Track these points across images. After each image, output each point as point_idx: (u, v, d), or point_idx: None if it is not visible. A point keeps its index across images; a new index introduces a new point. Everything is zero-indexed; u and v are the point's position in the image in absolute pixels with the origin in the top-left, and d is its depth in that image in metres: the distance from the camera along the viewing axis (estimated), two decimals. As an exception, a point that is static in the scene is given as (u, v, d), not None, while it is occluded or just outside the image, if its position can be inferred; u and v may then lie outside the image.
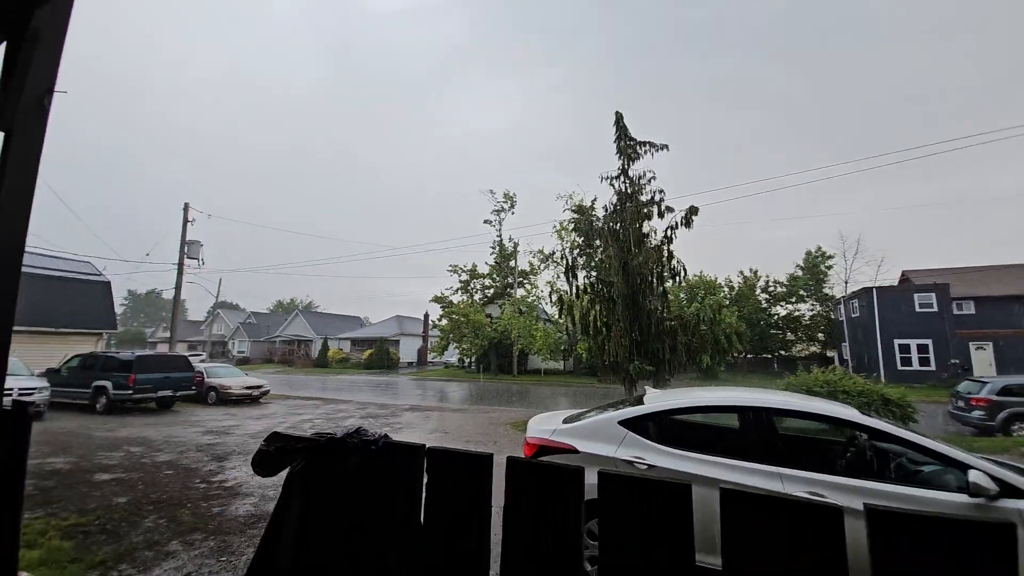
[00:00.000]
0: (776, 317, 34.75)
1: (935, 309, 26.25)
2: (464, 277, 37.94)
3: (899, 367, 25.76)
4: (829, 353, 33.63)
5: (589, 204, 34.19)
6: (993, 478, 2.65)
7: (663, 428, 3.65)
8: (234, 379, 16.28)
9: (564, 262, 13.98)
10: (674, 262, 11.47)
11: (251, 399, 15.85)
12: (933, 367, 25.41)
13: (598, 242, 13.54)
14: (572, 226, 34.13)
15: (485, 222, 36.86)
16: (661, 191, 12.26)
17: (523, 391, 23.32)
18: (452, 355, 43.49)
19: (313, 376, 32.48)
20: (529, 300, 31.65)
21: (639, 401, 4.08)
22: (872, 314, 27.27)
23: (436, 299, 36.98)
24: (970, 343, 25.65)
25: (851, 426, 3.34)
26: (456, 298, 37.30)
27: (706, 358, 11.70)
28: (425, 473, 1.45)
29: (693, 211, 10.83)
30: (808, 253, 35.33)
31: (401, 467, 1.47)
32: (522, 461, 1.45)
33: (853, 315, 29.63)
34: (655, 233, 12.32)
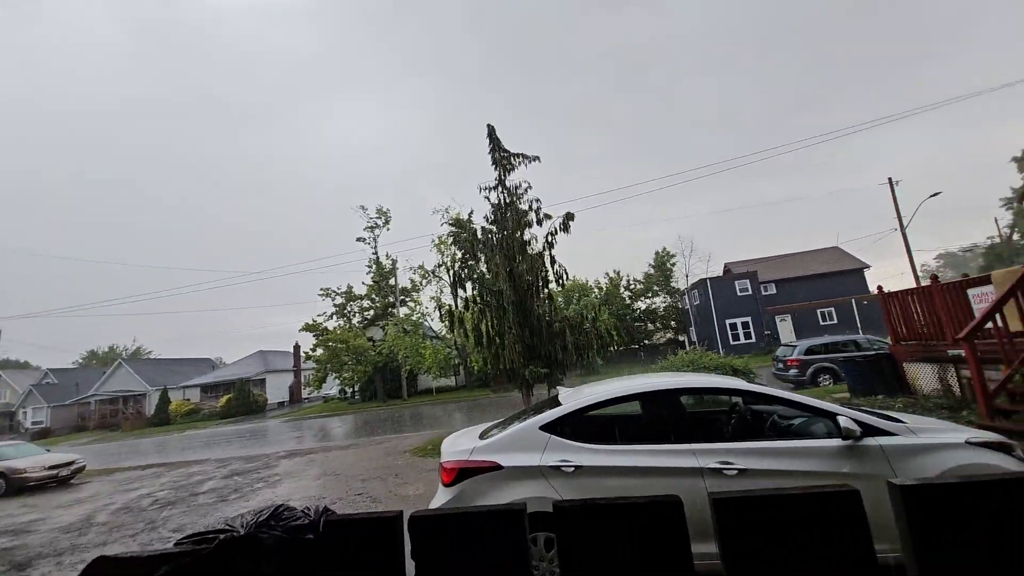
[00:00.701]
0: (638, 311, 39.14)
1: (750, 292, 32.32)
2: (339, 300, 34.96)
3: (731, 342, 30.99)
4: (680, 337, 38.96)
5: (467, 217, 34.51)
6: (856, 421, 3.13)
7: (583, 426, 3.61)
8: (30, 459, 12.36)
9: (451, 275, 13.66)
10: (556, 266, 12.04)
11: (58, 481, 12.15)
12: (753, 339, 31.16)
13: (480, 254, 13.55)
14: (451, 239, 34.04)
15: (359, 240, 34.49)
16: (537, 200, 12.83)
17: (416, 414, 22.21)
18: (332, 387, 39.81)
19: (150, 438, 26.51)
20: (414, 318, 30.46)
21: (555, 402, 4.00)
22: (708, 301, 32.42)
23: (308, 327, 33.32)
24: (776, 317, 32.12)
25: (746, 394, 3.69)
26: (331, 324, 34.13)
27: (592, 354, 12.44)
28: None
29: (570, 217, 11.52)
30: (657, 254, 40.71)
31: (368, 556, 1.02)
32: (428, 517, 1.16)
33: (695, 303, 34.87)
34: (535, 240, 12.83)
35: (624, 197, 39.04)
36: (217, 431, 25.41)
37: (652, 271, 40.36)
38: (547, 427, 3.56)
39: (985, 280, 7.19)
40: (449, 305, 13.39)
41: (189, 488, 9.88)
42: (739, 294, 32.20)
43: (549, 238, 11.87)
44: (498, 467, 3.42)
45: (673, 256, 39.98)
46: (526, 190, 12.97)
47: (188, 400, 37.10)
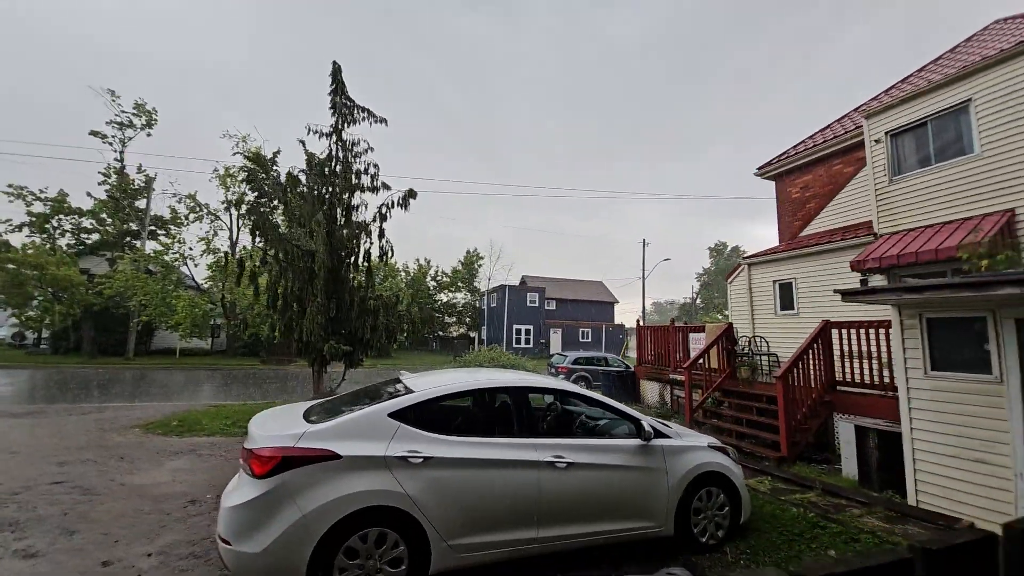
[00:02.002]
0: (439, 303, 40.19)
1: (537, 304, 37.13)
2: (40, 208, 24.51)
3: (515, 345, 34.90)
4: (472, 334, 41.75)
5: (270, 155, 29.09)
6: (652, 427, 3.91)
7: (434, 416, 3.46)
8: None
9: (252, 218, 11.23)
10: (384, 240, 11.29)
11: None
12: (532, 345, 35.85)
13: (291, 203, 11.64)
14: (245, 175, 28.13)
15: (94, 134, 24.86)
16: (375, 165, 11.85)
17: (149, 378, 17.36)
18: (1, 328, 27.80)
19: None
20: (167, 257, 23.86)
21: (396, 389, 3.72)
22: (504, 305, 35.79)
23: (-31, 234, 22.28)
24: (551, 329, 37.73)
25: (585, 399, 4.16)
26: (17, 238, 23.72)
27: (401, 337, 12.11)
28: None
29: (412, 194, 10.99)
30: (468, 252, 42.73)
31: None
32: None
33: (492, 305, 37.98)
34: (365, 207, 11.79)
35: (445, 192, 39.64)
36: None
37: (460, 268, 42.09)
38: (396, 415, 3.28)
39: (701, 328, 10.10)
40: (243, 252, 10.98)
41: None
42: (528, 304, 36.58)
43: (384, 210, 11.06)
44: (335, 456, 2.96)
45: (482, 258, 42.67)
46: (366, 150, 11.82)
47: None
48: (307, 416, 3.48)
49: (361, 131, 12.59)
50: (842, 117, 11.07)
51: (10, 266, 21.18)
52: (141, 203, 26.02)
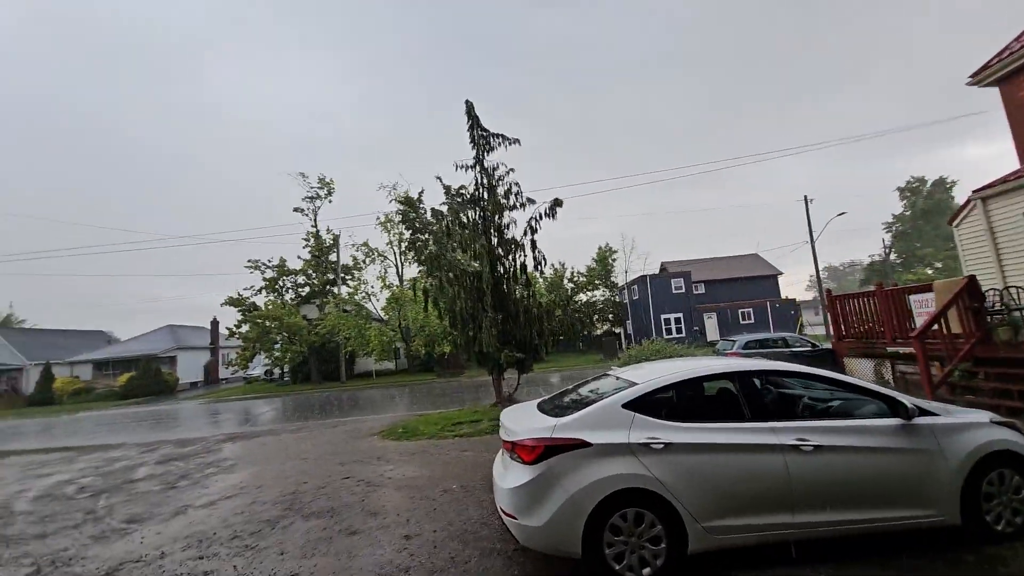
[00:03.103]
0: (579, 303, 40.50)
1: (684, 290, 34.79)
2: (270, 274, 32.07)
3: (665, 336, 33.22)
4: (617, 330, 41.02)
5: (416, 196, 33.24)
6: (914, 404, 3.48)
7: (662, 405, 3.64)
8: None
9: (422, 253, 13.05)
10: (536, 251, 12.01)
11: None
12: (684, 334, 33.67)
13: (454, 232, 13.11)
14: (400, 218, 32.64)
15: (296, 210, 31.79)
16: (517, 183, 12.67)
17: (362, 397, 21.19)
18: (255, 367, 36.77)
19: (32, 419, 22.67)
20: (357, 297, 28.91)
21: (611, 381, 3.99)
22: (647, 296, 34.42)
23: (232, 301, 30.24)
24: (704, 314, 34.92)
25: (818, 378, 3.90)
26: (260, 299, 31.33)
27: (568, 339, 12.63)
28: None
29: (558, 203, 11.49)
30: (600, 248, 42.32)
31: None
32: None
33: (634, 298, 36.84)
34: (515, 224, 12.69)
35: (570, 194, 39.99)
36: (120, 412, 22.34)
37: (595, 265, 41.87)
38: (629, 405, 3.55)
39: (926, 288, 8.35)
40: (426, 283, 12.80)
41: (118, 475, 8.58)
42: (674, 292, 34.53)
43: (532, 223, 11.78)
44: (586, 444, 3.34)
45: (615, 252, 41.85)
46: (507, 172, 12.74)
47: (77, 377, 32.19)
48: (547, 410, 3.99)
49: (498, 156, 13.65)
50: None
51: (259, 320, 28.16)
52: (333, 256, 32.11)
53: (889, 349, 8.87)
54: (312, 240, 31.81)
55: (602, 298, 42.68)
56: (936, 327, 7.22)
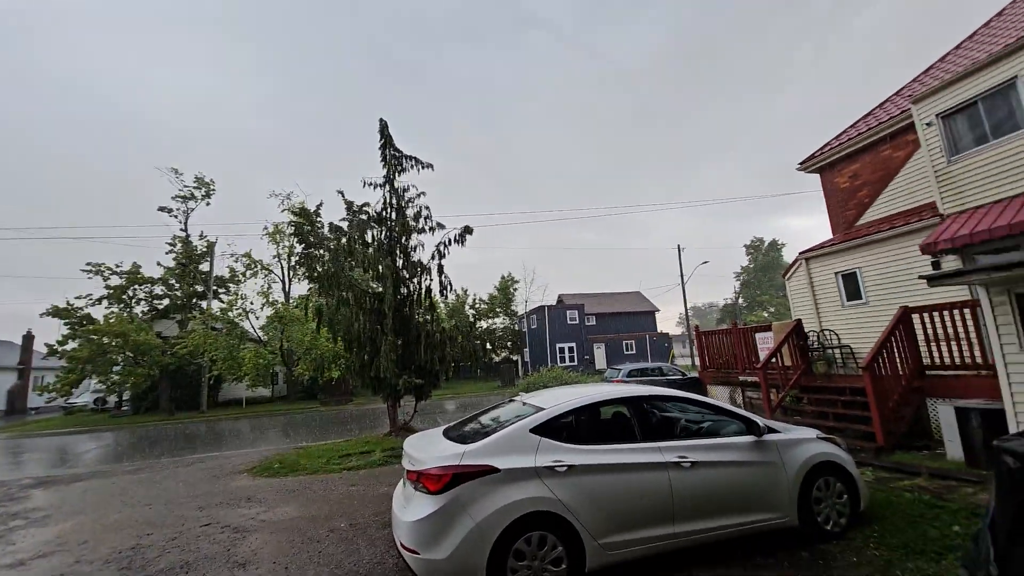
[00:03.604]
0: (477, 329, 40.76)
1: (577, 322, 37.14)
2: (117, 281, 26.89)
3: (559, 363, 34.88)
4: (514, 357, 41.97)
5: (313, 209, 31.02)
6: (765, 424, 4.15)
7: (566, 428, 3.83)
8: None
9: (315, 269, 12.17)
10: (443, 277, 11.93)
11: None
12: (576, 362, 35.71)
13: (354, 251, 12.50)
14: (292, 230, 30.03)
15: (162, 209, 27.39)
16: (427, 207, 12.62)
17: (235, 428, 18.47)
18: (82, 395, 30.13)
19: None
20: (232, 314, 25.55)
21: (517, 408, 4.12)
22: (544, 325, 36.00)
23: (58, 312, 24.63)
24: (594, 344, 37.53)
25: (699, 404, 4.43)
26: (100, 311, 26.01)
27: (469, 366, 12.57)
28: None
29: (468, 231, 11.62)
30: (503, 278, 43.45)
31: None
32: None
33: (532, 327, 38.26)
34: (423, 247, 12.52)
35: (475, 223, 40.82)
36: None
37: (497, 293, 42.77)
38: (536, 430, 3.67)
39: (767, 328, 10.08)
40: (320, 302, 11.84)
41: None
42: (568, 322, 36.67)
43: (441, 248, 11.74)
44: (495, 470, 3.36)
45: (516, 282, 43.26)
46: (418, 195, 12.63)
47: None
48: (452, 435, 3.93)
49: (410, 178, 13.50)
50: (884, 103, 11.08)
51: (94, 336, 23.24)
52: (204, 266, 28.12)
53: (740, 378, 10.47)
54: (179, 245, 27.60)
55: (502, 326, 43.53)
56: (774, 360, 8.75)
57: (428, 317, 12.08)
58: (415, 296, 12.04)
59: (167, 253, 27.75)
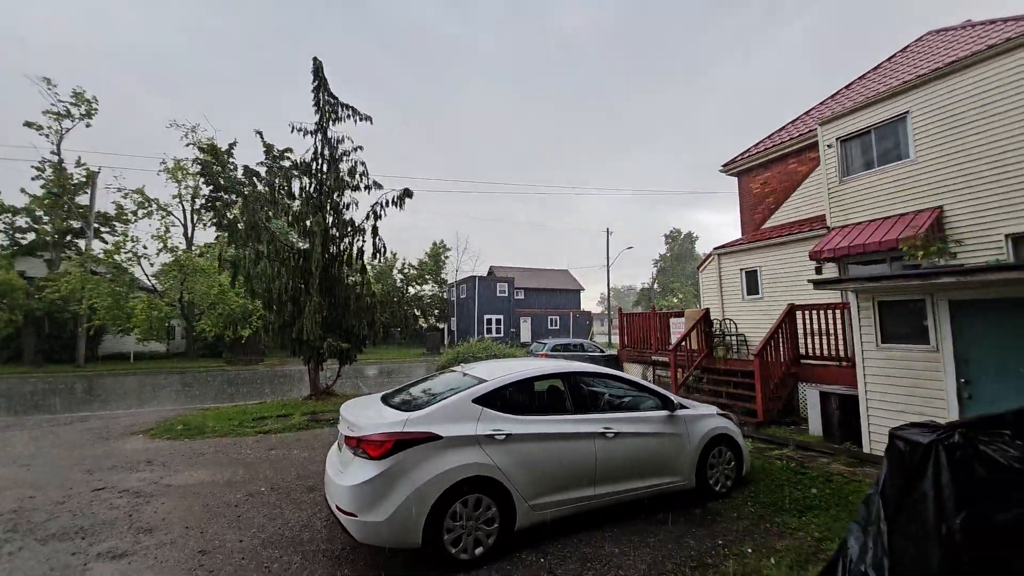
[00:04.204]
0: (408, 296, 39.91)
1: (507, 295, 37.78)
2: (-37, 206, 22.25)
3: (486, 334, 35.46)
4: (441, 325, 41.86)
5: (226, 148, 27.71)
6: (678, 401, 4.68)
7: (506, 399, 4.02)
8: None
9: (224, 215, 11.07)
10: (377, 239, 11.46)
11: None
12: (503, 335, 36.54)
13: (278, 202, 11.53)
14: (198, 168, 26.68)
15: (29, 125, 22.71)
16: (363, 163, 11.93)
17: (121, 385, 16.52)
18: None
19: None
20: (118, 257, 22.38)
21: (459, 378, 4.25)
22: (474, 296, 36.18)
23: None
24: (521, 318, 38.56)
25: (624, 381, 4.84)
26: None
27: (398, 332, 12.37)
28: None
29: (408, 193, 11.19)
30: (434, 244, 42.59)
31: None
32: None
33: (461, 296, 38.25)
34: (356, 205, 11.88)
35: (409, 185, 39.26)
36: None
37: (427, 260, 41.91)
38: (478, 400, 3.82)
39: (680, 314, 11.12)
40: (234, 253, 10.82)
41: None
42: (498, 295, 37.17)
43: (378, 209, 11.22)
44: (437, 437, 3.47)
45: (449, 250, 42.66)
46: (354, 149, 11.87)
47: None
48: (394, 404, 3.96)
49: (345, 128, 12.55)
50: (795, 120, 12.36)
51: (-67, 270, 19.24)
52: (83, 199, 24.13)
53: (653, 357, 11.51)
54: (50, 171, 23.34)
55: (431, 293, 42.98)
56: (684, 343, 9.76)
57: (359, 279, 11.61)
58: (345, 257, 11.49)
59: (33, 179, 23.44)
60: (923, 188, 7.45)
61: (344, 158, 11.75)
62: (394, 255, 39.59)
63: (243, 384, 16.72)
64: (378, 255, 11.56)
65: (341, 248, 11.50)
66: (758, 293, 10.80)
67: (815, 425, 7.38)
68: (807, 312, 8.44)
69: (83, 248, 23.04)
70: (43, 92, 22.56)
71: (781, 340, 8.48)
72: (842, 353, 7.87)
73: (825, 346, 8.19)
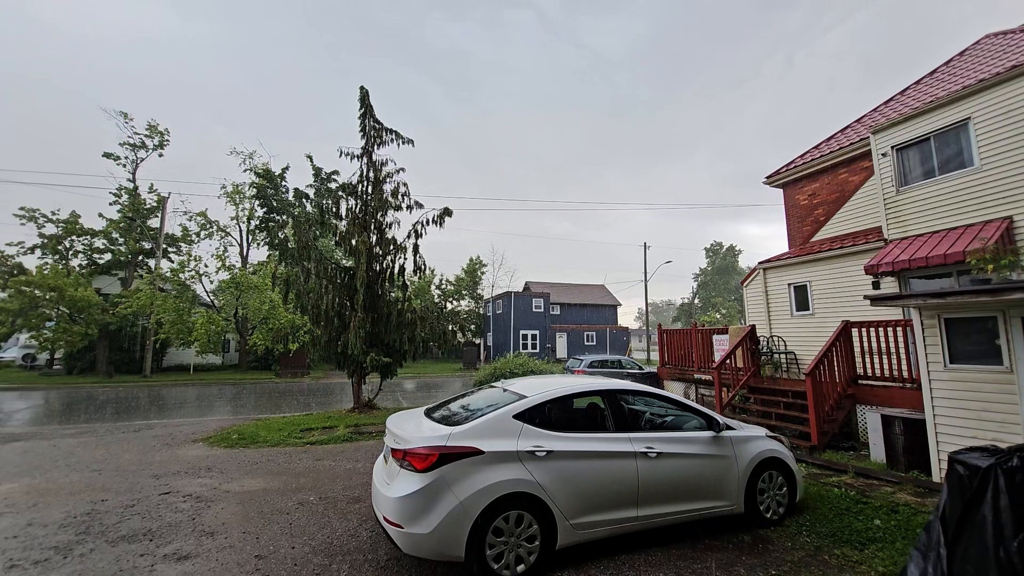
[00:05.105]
0: (446, 311, 40.63)
1: (542, 310, 37.72)
2: (53, 230, 24.78)
3: (521, 350, 35.43)
4: (477, 340, 42.20)
5: (279, 172, 29.57)
6: (723, 422, 4.54)
7: (546, 416, 4.05)
8: None
9: (275, 235, 11.77)
10: (418, 256, 11.85)
11: None
12: (539, 350, 36.39)
13: (328, 222, 12.16)
14: (254, 192, 28.58)
15: (108, 156, 25.23)
16: (405, 183, 12.42)
17: (183, 395, 17.68)
18: (9, 349, 27.93)
19: None
20: (183, 275, 24.16)
21: (498, 394, 4.31)
22: (510, 311, 36.35)
23: (-18, 258, 22.48)
24: (557, 333, 38.32)
25: (669, 401, 4.76)
26: (32, 261, 23.96)
27: (438, 347, 12.64)
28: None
29: (448, 212, 11.56)
30: (471, 260, 43.29)
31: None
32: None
33: (497, 312, 38.52)
34: (398, 224, 12.36)
35: (448, 203, 40.33)
36: None
37: (464, 276, 42.62)
38: (519, 416, 3.87)
39: (724, 330, 10.75)
40: (286, 272, 11.48)
41: None
42: (533, 310, 37.18)
43: (419, 228, 11.63)
44: (479, 452, 3.54)
45: (485, 266, 43.24)
46: (397, 171, 12.40)
47: None
48: (437, 418, 4.07)
49: (389, 152, 13.14)
50: (845, 128, 11.86)
51: (27, 288, 21.44)
52: (153, 222, 26.34)
53: (696, 375, 11.14)
54: (125, 197, 25.65)
55: (467, 308, 43.55)
56: (728, 361, 9.40)
57: (399, 295, 12.01)
58: (387, 274, 11.93)
59: (111, 204, 25.81)
60: (990, 197, 6.96)
61: (388, 179, 12.30)
62: (432, 271, 40.51)
63: (290, 396, 17.48)
64: (418, 272, 11.94)
65: (384, 265, 11.95)
66: (808, 309, 10.29)
67: (877, 451, 6.89)
68: (864, 329, 7.96)
69: (152, 267, 25.06)
70: (120, 125, 25.06)
71: (835, 359, 8.03)
72: (905, 374, 7.35)
73: (886, 366, 7.68)
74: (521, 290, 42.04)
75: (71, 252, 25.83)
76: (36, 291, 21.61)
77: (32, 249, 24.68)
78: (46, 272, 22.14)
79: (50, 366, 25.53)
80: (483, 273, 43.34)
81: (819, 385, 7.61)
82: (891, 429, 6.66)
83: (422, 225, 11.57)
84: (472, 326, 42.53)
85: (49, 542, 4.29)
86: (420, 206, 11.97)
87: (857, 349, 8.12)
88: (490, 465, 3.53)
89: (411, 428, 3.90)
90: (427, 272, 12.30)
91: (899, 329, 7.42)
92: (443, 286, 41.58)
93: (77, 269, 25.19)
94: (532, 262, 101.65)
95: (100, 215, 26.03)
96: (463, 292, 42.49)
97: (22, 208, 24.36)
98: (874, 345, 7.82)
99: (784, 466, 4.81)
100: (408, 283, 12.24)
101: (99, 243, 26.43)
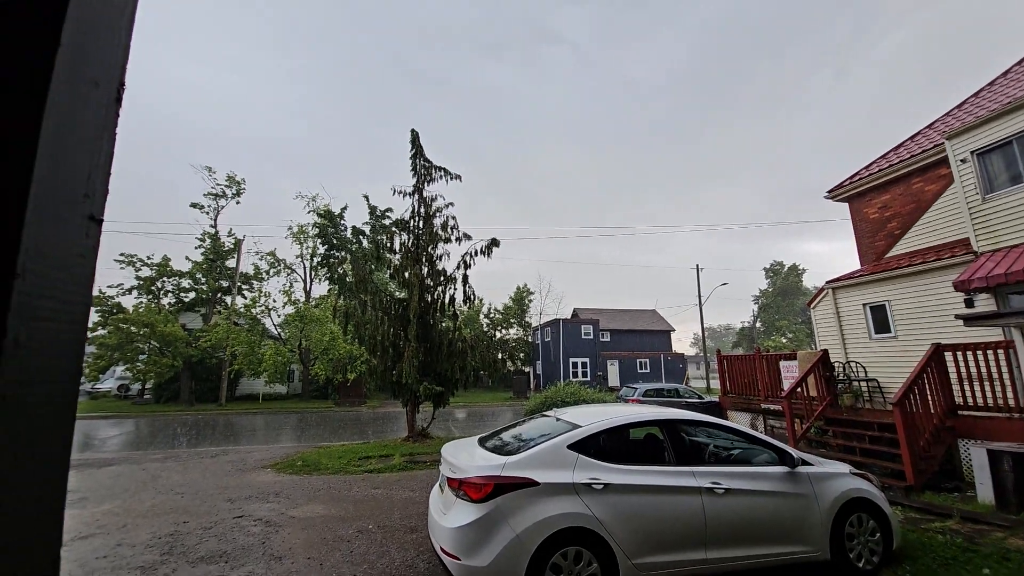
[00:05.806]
0: (495, 340, 40.89)
1: (592, 337, 36.98)
2: (148, 273, 27.85)
3: (571, 379, 34.70)
4: (526, 369, 41.91)
5: (338, 212, 31.76)
6: (799, 456, 4.19)
7: (601, 446, 3.93)
8: None
9: (335, 271, 12.52)
10: (467, 287, 12.15)
11: None
12: (589, 378, 35.50)
13: (383, 256, 12.80)
14: (316, 231, 30.77)
15: (194, 206, 28.40)
16: (454, 217, 12.89)
17: (253, 423, 18.86)
18: (107, 381, 31.01)
19: None
20: (255, 311, 26.14)
21: (550, 422, 4.24)
22: (559, 339, 35.95)
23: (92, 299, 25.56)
24: (608, 361, 37.28)
25: (734, 432, 4.49)
26: (129, 301, 26.93)
27: (488, 375, 12.71)
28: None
29: (495, 243, 11.84)
30: (518, 289, 43.61)
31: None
32: None
33: (546, 339, 38.23)
34: (448, 256, 12.78)
35: (493, 233, 41.26)
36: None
37: (512, 304, 42.92)
38: (574, 446, 3.78)
39: (792, 356, 10.01)
40: (345, 304, 12.14)
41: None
42: (583, 337, 36.55)
43: (467, 259, 11.97)
44: (534, 483, 3.48)
45: (532, 294, 43.37)
46: (446, 205, 12.92)
47: None
48: (490, 448, 4.07)
49: (438, 188, 13.76)
50: (915, 135, 11.05)
51: (123, 325, 24.05)
52: (230, 262, 28.94)
53: (763, 405, 10.38)
54: (208, 241, 28.49)
55: (515, 337, 43.59)
56: (799, 390, 8.69)
57: (451, 325, 12.28)
58: (438, 304, 12.27)
59: (196, 248, 28.70)
60: (1104, 200, 6.16)
61: (437, 214, 12.85)
62: (480, 301, 41.17)
63: (349, 424, 18.10)
64: (468, 302, 12.21)
65: (435, 296, 12.33)
66: (890, 331, 9.39)
67: (985, 491, 6.02)
68: (960, 353, 7.13)
69: (228, 303, 27.39)
70: (204, 178, 28.17)
71: (928, 386, 7.20)
72: (1011, 402, 6.45)
73: (988, 394, 6.79)
74: (569, 317, 41.59)
75: (162, 292, 28.84)
76: (132, 327, 24.20)
77: (129, 290, 27.79)
78: (140, 310, 24.80)
79: (141, 395, 28.14)
80: (531, 301, 43.47)
81: (910, 416, 6.83)
82: (999, 465, 5.82)
83: (471, 256, 11.90)
84: (521, 354, 42.38)
85: (136, 561, 4.64)
86: (468, 237, 12.36)
87: (953, 375, 7.26)
88: (546, 497, 3.46)
89: (465, 457, 3.92)
90: (476, 301, 12.54)
91: (1000, 351, 6.58)
92: (491, 315, 42.02)
93: (167, 307, 28.02)
94: (579, 289, 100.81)
95: (187, 258, 29.03)
96: (511, 320, 42.68)
97: (122, 254, 27.66)
98: (972, 371, 6.96)
99: (876, 508, 4.32)
100: (458, 313, 12.50)
101: (185, 283, 29.34)
